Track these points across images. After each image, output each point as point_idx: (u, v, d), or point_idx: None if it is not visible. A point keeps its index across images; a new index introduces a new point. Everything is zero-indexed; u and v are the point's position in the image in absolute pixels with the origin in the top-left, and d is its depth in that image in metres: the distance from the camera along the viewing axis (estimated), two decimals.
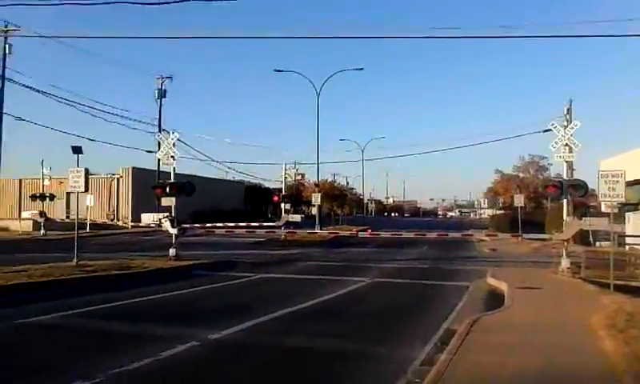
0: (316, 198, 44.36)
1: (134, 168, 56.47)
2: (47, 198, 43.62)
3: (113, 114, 49.90)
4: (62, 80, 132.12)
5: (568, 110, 21.65)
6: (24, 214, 49.21)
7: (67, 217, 51.60)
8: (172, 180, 22.93)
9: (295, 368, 7.86)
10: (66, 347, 8.72)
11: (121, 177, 56.73)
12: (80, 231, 20.50)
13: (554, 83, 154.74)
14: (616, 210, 18.30)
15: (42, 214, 41.80)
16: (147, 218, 26.01)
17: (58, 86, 78.85)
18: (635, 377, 6.40)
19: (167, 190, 22.50)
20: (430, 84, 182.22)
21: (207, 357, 8.28)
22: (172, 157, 22.83)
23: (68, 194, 54.58)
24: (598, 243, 26.50)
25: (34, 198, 44.04)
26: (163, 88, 54.47)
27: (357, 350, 8.68)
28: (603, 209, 25.47)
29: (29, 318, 10.56)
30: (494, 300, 13.87)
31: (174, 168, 23.14)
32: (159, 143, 49.59)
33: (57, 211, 50.37)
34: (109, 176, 55.97)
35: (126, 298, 13.36)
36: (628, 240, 25.71)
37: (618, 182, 15.55)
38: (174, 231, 22.83)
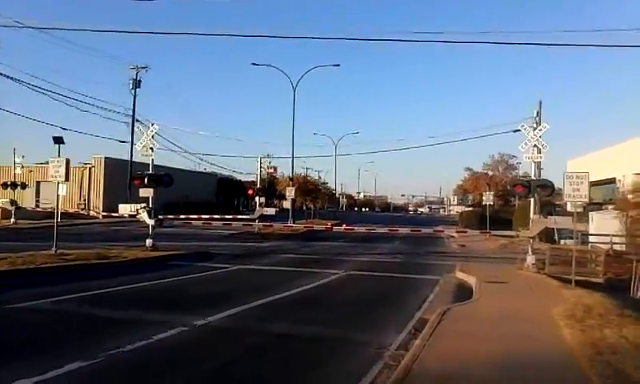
0: (290, 192, 44.76)
1: (106, 158, 56.17)
2: (18, 187, 43.31)
3: (86, 102, 49.69)
4: (35, 68, 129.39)
5: (537, 112, 22.46)
6: None
7: (37, 205, 51.16)
8: (150, 171, 23.15)
9: (281, 350, 8.46)
10: (60, 331, 9.13)
11: (93, 166, 56.35)
12: (52, 220, 20.62)
13: (524, 83, 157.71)
14: (580, 210, 19.17)
15: (12, 202, 41.44)
16: (124, 209, 26.09)
17: (29, 73, 77.37)
18: (588, 359, 7.14)
19: (146, 181, 22.74)
20: (404, 82, 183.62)
21: (196, 340, 8.78)
22: (151, 148, 23.06)
23: (38, 182, 54.26)
24: (562, 241, 27.50)
25: (5, 186, 43.58)
26: (138, 78, 54.41)
27: (337, 336, 9.26)
28: (569, 208, 26.54)
29: (18, 303, 10.86)
30: (463, 293, 14.60)
31: (153, 159, 23.39)
32: (132, 133, 50.22)
33: (26, 200, 49.83)
34: (80, 165, 55.52)
35: (110, 286, 13.70)
36: (591, 238, 26.77)
37: (582, 183, 16.40)
38: (151, 222, 23.07)
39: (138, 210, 23.88)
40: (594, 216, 28.77)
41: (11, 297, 11.47)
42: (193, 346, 8.40)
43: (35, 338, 8.49)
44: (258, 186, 40.40)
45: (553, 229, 26.16)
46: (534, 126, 20.43)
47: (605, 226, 26.50)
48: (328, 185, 78.51)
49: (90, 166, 56.36)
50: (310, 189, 62.34)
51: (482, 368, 7.00)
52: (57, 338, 8.63)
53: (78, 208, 53.10)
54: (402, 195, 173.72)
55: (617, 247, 23.30)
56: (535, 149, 20.06)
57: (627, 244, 24.30)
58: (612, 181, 33.49)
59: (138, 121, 50.81)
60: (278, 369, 7.53)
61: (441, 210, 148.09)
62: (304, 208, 64.42)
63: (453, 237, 38.03)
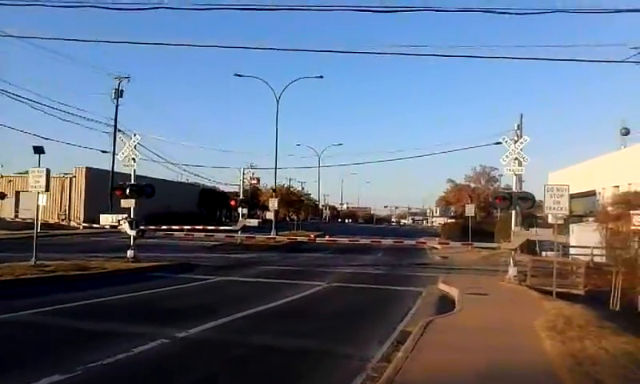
0: (273, 203, 44.62)
1: (87, 168, 55.63)
2: None
3: (68, 112, 49.32)
4: (15, 77, 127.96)
5: (518, 125, 22.71)
6: None
7: (16, 216, 50.48)
8: (132, 182, 22.99)
9: (263, 362, 8.39)
10: (38, 344, 8.97)
11: (74, 176, 55.77)
12: (32, 231, 20.41)
13: (506, 96, 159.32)
14: (561, 222, 19.36)
15: None
16: (105, 219, 25.88)
17: (9, 82, 76.46)
18: (568, 370, 7.19)
19: (127, 191, 22.56)
20: (387, 94, 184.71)
21: (177, 353, 8.70)
22: (133, 159, 22.90)
23: (17, 192, 53.57)
24: (544, 253, 27.67)
25: None
26: (120, 88, 53.99)
27: (319, 348, 9.24)
28: (550, 220, 26.78)
29: None
30: (446, 304, 14.64)
31: (135, 170, 23.23)
32: (114, 143, 49.81)
33: (5, 210, 49.21)
34: (61, 175, 54.91)
35: (90, 298, 13.57)
36: (571, 250, 27.01)
37: (562, 195, 16.55)
38: (132, 233, 22.87)
39: (119, 220, 23.70)
40: (574, 228, 29.05)
41: None
42: (174, 359, 8.32)
43: (12, 351, 8.36)
44: (241, 196, 40.24)
45: (534, 241, 26.33)
46: (515, 138, 20.62)
47: (585, 238, 26.73)
48: (311, 196, 78.67)
49: (71, 176, 55.77)
50: (293, 200, 62.32)
51: (463, 379, 7.03)
52: (35, 350, 8.48)
53: (58, 219, 52.43)
54: (385, 206, 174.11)
55: (597, 259, 23.56)
56: (516, 161, 20.23)
57: (607, 256, 24.59)
58: (592, 193, 33.91)
59: (120, 131, 50.27)
60: (260, 382, 7.49)
61: (423, 221, 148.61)
62: (287, 219, 64.36)
63: (435, 248, 38.15)
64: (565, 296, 15.24)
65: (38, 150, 19.37)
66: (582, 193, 33.93)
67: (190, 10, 18.39)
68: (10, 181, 52.25)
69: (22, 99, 40.50)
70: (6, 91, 37.84)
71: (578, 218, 31.29)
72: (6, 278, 15.38)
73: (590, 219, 29.19)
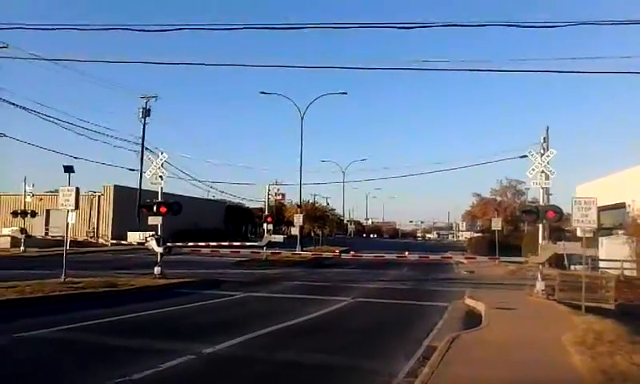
0: (298, 219, 44.81)
1: (115, 186, 56.54)
2: (28, 215, 43.68)
3: (96, 131, 50.00)
4: (46, 97, 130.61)
5: (544, 138, 22.47)
6: (4, 231, 48.94)
7: (46, 234, 51.45)
8: (159, 199, 23.31)
9: (289, 378, 8.43)
10: (68, 360, 9.12)
11: (102, 194, 56.71)
12: (62, 248, 20.79)
13: (532, 108, 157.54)
14: (590, 235, 19.07)
15: (22, 230, 41.75)
16: (134, 237, 26.31)
17: (41, 103, 78.26)
18: None
19: (155, 209, 22.88)
20: (410, 109, 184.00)
21: (204, 369, 8.77)
22: (160, 177, 23.26)
23: (47, 210, 54.65)
24: (572, 266, 27.29)
25: (15, 214, 44.05)
26: (148, 107, 54.80)
27: (345, 364, 9.22)
28: (579, 233, 26.40)
29: (27, 332, 10.88)
30: (472, 319, 14.49)
31: (162, 188, 23.57)
32: (142, 162, 50.48)
33: (35, 228, 50.14)
34: (90, 193, 55.89)
35: (118, 314, 13.74)
36: (601, 264, 26.58)
37: (590, 208, 16.32)
38: (159, 250, 23.15)
39: (146, 237, 24.02)
40: (603, 241, 28.61)
41: (18, 326, 11.49)
42: (201, 375, 8.39)
43: (40, 368, 8.51)
44: (266, 213, 40.53)
45: (562, 254, 25.98)
46: (542, 152, 20.42)
47: (615, 251, 26.33)
48: (336, 211, 78.58)
49: (99, 194, 56.72)
50: (317, 215, 62.40)
51: None
52: (62, 366, 8.62)
53: (87, 236, 53.33)
54: (411, 221, 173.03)
55: (628, 272, 23.15)
56: (543, 175, 20.02)
57: (637, 269, 24.12)
58: (621, 206, 33.33)
59: (147, 149, 51.02)
60: None
61: (449, 235, 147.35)
62: (312, 234, 64.37)
63: (462, 263, 37.84)
64: (594, 310, 14.95)
65: (68, 169, 19.83)
66: (611, 205, 33.36)
67: (213, 29, 18.68)
68: (41, 199, 53.27)
69: (52, 119, 41.38)
70: (36, 111, 38.50)
71: (608, 231, 30.80)
72: (37, 294, 15.66)
73: (620, 232, 28.73)
